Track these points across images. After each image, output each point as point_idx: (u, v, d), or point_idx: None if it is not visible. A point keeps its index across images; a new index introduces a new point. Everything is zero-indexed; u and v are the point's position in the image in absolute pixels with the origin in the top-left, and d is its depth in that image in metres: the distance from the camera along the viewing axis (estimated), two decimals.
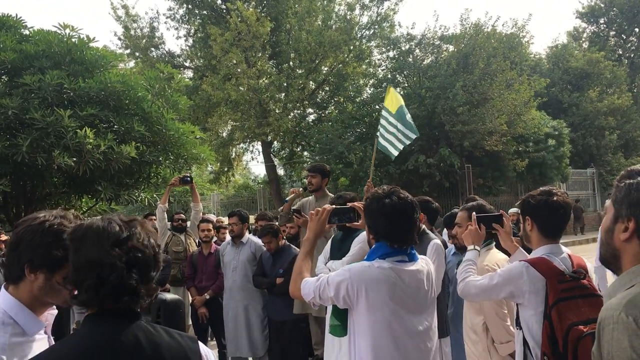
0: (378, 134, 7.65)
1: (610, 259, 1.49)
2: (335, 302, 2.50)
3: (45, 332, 1.84)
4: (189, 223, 7.27)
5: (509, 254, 3.26)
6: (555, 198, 2.70)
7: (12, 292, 1.78)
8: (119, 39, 21.42)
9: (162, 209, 6.72)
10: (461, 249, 4.03)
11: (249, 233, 6.55)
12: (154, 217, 7.55)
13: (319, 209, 2.77)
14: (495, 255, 3.57)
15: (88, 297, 1.48)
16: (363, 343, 2.45)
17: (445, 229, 5.50)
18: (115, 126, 6.93)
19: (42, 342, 1.79)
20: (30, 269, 1.73)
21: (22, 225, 1.80)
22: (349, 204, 2.98)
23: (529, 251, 2.89)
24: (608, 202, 1.54)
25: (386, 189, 2.58)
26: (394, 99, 7.70)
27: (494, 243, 3.59)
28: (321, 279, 2.54)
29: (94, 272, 1.46)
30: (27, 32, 7.61)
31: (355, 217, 2.80)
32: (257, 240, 6.38)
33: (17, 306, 1.74)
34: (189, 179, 6.80)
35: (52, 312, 1.88)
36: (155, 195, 8.18)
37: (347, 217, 2.82)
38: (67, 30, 7.23)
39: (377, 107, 20.42)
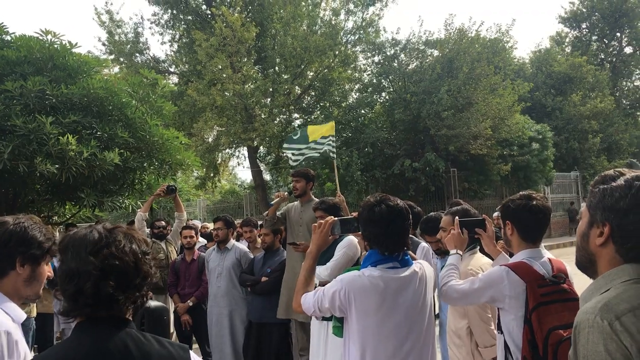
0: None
1: (586, 264, 1.51)
2: (333, 312, 2.58)
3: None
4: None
5: (493, 259, 3.28)
6: (534, 202, 2.72)
7: None
8: (103, 44, 21.30)
9: (141, 217, 6.63)
10: (443, 254, 4.05)
11: (234, 239, 6.53)
12: None
13: (322, 221, 2.77)
14: (479, 259, 3.59)
15: (69, 306, 1.51)
16: (353, 348, 2.54)
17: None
18: (99, 132, 6.86)
19: (20, 331, 1.95)
20: (21, 262, 1.95)
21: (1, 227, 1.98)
22: (353, 214, 2.99)
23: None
24: (583, 206, 1.57)
25: (377, 197, 2.62)
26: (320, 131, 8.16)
27: (478, 247, 3.61)
28: (318, 292, 2.61)
29: (73, 281, 1.49)
30: (8, 37, 7.51)
31: (359, 227, 2.76)
32: (242, 246, 6.37)
33: (1, 297, 1.93)
34: (173, 188, 6.73)
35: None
36: (139, 202, 8.12)
37: (350, 227, 2.80)
38: (49, 36, 7.16)
39: (362, 111, 20.53)
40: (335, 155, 8.14)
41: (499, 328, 2.77)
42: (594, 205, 1.46)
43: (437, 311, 5.09)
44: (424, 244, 4.52)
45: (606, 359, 1.26)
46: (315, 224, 2.80)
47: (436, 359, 2.68)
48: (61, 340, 1.88)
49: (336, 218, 2.83)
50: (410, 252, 2.87)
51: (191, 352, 1.63)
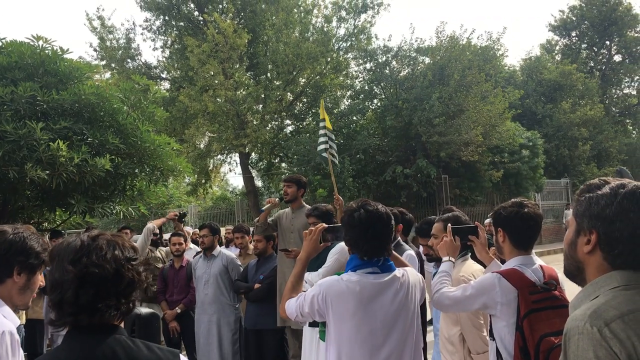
0: (324, 147, 7.17)
1: (574, 272, 1.52)
2: (313, 316, 2.58)
3: None
4: (166, 236, 7.25)
5: (485, 265, 3.29)
6: (526, 210, 2.74)
7: None
8: (95, 50, 21.21)
9: (153, 228, 6.59)
10: (434, 260, 4.05)
11: (222, 245, 6.52)
12: (127, 231, 7.48)
13: (312, 228, 2.77)
14: (471, 266, 3.59)
15: (55, 315, 1.52)
16: (332, 351, 2.55)
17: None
18: (90, 138, 6.84)
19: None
20: (18, 271, 2.00)
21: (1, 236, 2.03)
22: None
23: None
24: (570, 215, 1.58)
25: (358, 203, 2.62)
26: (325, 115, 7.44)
27: (470, 254, 3.62)
28: (300, 297, 2.61)
29: (57, 291, 1.51)
30: None
31: None
32: (229, 252, 6.35)
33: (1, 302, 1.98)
34: (184, 216, 7.12)
35: None
36: (130, 209, 8.09)
37: (340, 234, 2.77)
38: (41, 42, 7.15)
39: (354, 118, 20.57)
40: (327, 146, 7.10)
41: (491, 335, 2.78)
42: (581, 213, 1.48)
43: (429, 317, 5.09)
44: (410, 251, 4.52)
45: None
46: (306, 231, 2.80)
47: None
48: (51, 349, 1.90)
49: (327, 225, 2.83)
50: (401, 258, 2.88)
51: (181, 355, 1.63)
